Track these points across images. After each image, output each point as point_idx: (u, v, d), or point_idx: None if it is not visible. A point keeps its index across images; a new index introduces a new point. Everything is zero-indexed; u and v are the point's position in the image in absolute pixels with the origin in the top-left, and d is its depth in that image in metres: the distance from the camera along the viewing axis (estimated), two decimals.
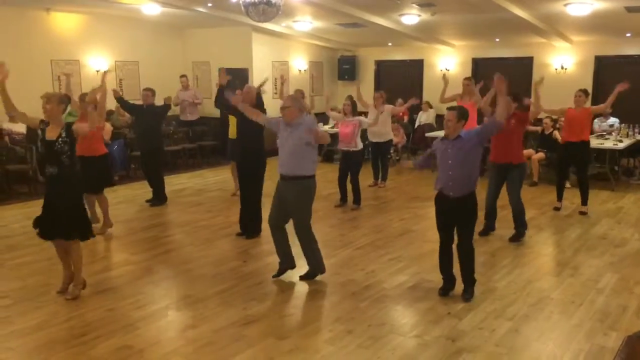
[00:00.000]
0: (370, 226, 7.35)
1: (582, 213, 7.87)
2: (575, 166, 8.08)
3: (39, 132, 4.92)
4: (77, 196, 5.00)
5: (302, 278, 5.40)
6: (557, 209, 8.05)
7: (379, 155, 9.71)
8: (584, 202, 7.94)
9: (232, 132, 8.00)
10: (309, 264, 5.42)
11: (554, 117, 9.75)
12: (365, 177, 9.97)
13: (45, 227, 4.93)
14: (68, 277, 5.09)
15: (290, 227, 5.37)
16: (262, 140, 6.49)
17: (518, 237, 6.68)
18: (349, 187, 8.31)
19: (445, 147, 4.88)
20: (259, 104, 6.32)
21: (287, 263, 5.48)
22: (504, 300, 4.99)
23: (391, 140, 9.85)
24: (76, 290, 5.02)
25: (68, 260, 5.06)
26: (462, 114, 4.82)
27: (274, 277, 5.47)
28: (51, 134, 4.85)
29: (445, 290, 5.07)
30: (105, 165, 7.05)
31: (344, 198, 8.39)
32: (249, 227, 6.75)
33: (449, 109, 4.92)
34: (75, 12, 11.18)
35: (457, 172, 4.80)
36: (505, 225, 7.01)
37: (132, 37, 12.24)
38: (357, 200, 8.28)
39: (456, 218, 4.91)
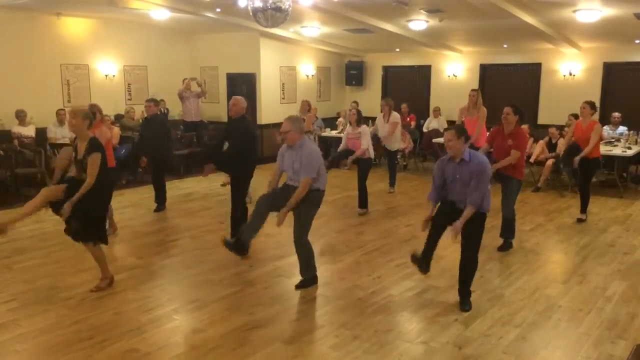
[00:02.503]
0: (377, 232, 7.34)
1: (580, 220, 7.78)
2: (580, 173, 7.97)
3: (73, 150, 5.12)
4: (100, 203, 5.10)
5: (297, 287, 5.36)
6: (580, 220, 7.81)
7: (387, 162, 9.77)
8: (583, 210, 7.83)
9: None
10: (303, 273, 5.38)
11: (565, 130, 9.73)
12: (377, 182, 10.00)
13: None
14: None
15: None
16: (253, 148, 6.59)
17: (508, 246, 6.55)
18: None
19: (454, 171, 4.83)
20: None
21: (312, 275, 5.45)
22: (511, 307, 4.96)
23: (398, 149, 10.14)
24: (102, 284, 5.27)
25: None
26: (460, 131, 4.79)
27: (296, 287, 5.36)
28: (80, 150, 4.99)
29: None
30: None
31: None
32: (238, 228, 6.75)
33: (446, 129, 4.92)
34: (85, 17, 11.26)
35: (464, 197, 4.78)
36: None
37: (140, 42, 12.32)
38: (363, 204, 8.29)
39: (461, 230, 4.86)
